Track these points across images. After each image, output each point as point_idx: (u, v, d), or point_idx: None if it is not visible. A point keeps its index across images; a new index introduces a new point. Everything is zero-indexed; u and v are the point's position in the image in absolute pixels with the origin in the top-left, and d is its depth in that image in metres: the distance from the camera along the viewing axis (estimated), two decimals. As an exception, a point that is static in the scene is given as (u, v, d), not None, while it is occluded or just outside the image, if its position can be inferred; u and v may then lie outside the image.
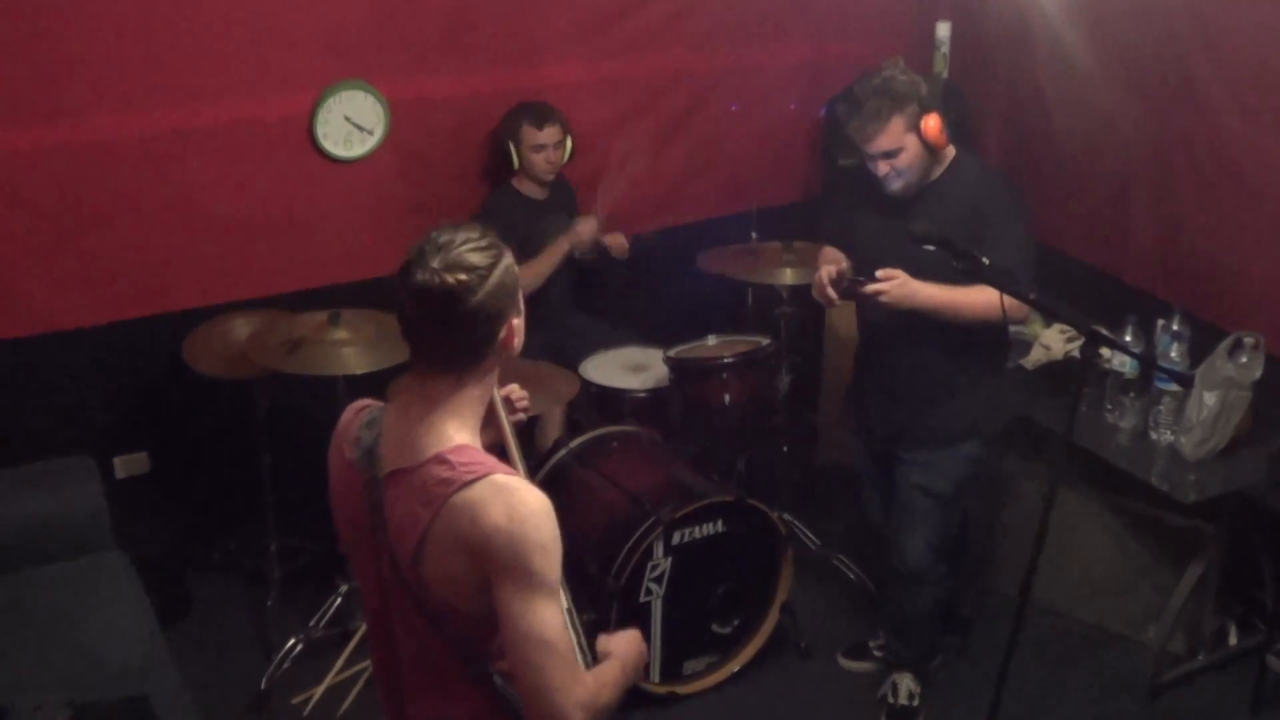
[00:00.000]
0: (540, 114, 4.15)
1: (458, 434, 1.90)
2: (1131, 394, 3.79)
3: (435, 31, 4.16)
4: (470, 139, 4.33)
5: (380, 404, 2.05)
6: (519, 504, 1.81)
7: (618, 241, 4.36)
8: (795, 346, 4.34)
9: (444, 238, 1.89)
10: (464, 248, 1.88)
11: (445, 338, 1.88)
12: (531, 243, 4.19)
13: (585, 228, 4.23)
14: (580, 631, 2.10)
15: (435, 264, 1.85)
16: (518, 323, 1.94)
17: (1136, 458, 3.66)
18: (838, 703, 3.74)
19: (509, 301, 1.91)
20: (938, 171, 3.21)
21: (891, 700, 3.64)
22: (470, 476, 1.83)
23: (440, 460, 1.86)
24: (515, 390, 2.29)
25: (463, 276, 1.85)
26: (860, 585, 4.14)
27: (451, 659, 1.92)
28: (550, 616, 1.82)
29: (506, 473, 1.86)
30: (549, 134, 4.15)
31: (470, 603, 1.85)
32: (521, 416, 2.33)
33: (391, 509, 1.90)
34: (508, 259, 1.92)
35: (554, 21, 4.36)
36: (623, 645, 2.07)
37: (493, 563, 1.80)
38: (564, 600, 2.10)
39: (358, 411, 2.05)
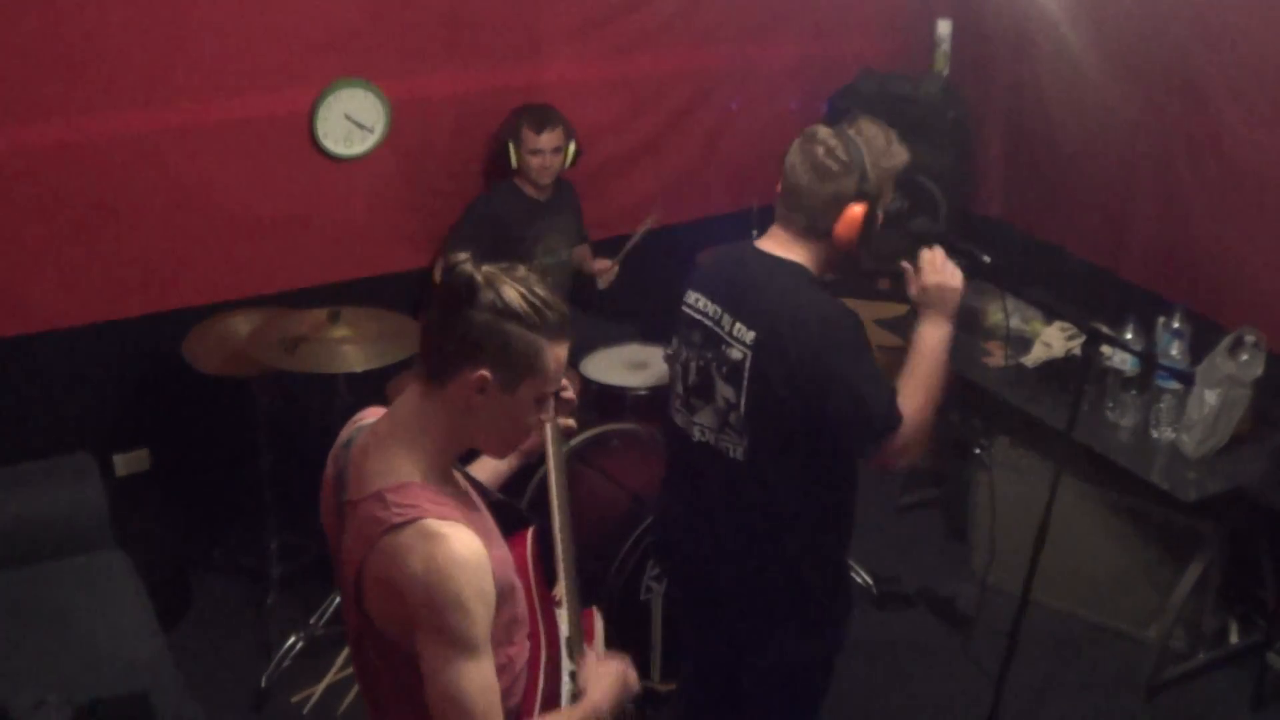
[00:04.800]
0: (540, 118, 4.13)
1: (407, 470, 1.83)
2: (1132, 392, 3.78)
3: (436, 30, 4.16)
4: (471, 137, 4.33)
5: (369, 420, 1.98)
6: (440, 554, 1.73)
7: (606, 272, 4.47)
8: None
9: (521, 270, 1.84)
10: (524, 282, 1.81)
11: (434, 331, 1.84)
12: (527, 243, 4.19)
13: (599, 269, 4.38)
14: (575, 663, 2.07)
15: (471, 268, 1.80)
16: (486, 378, 1.79)
17: (1137, 455, 3.65)
18: (837, 697, 3.73)
19: (492, 357, 1.79)
20: None
21: None
22: (399, 519, 1.76)
23: (379, 498, 1.80)
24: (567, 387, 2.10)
25: (485, 285, 1.78)
26: (862, 585, 4.14)
27: (418, 680, 1.86)
28: (465, 676, 1.75)
29: (442, 518, 1.77)
30: (547, 139, 4.13)
31: (410, 641, 1.80)
32: (570, 422, 2.25)
33: (345, 540, 1.88)
34: (536, 338, 1.80)
35: (554, 19, 4.36)
36: (599, 686, 2.01)
37: (412, 612, 1.76)
38: (565, 627, 2.07)
39: (351, 424, 2.00)
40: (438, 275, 4.34)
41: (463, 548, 1.75)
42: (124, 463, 4.15)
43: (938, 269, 2.55)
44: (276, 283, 4.14)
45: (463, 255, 1.82)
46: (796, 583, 2.64)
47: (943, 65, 4.89)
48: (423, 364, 1.85)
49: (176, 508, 4.20)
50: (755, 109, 4.83)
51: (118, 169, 3.81)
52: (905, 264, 2.59)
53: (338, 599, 3.80)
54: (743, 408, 2.51)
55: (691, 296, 2.64)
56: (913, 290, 2.58)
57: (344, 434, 1.98)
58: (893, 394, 2.45)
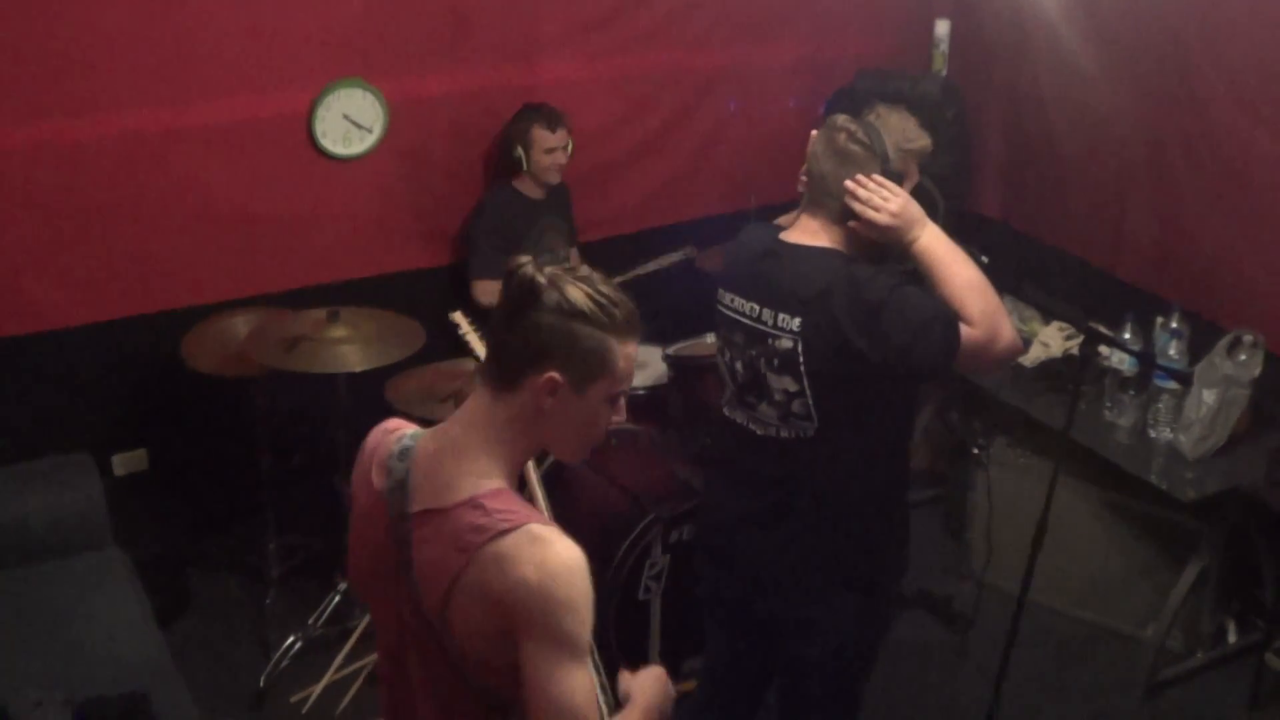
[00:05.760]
0: (552, 118, 4.15)
1: (495, 475, 1.79)
2: (1130, 392, 3.79)
3: (434, 30, 4.16)
4: (469, 137, 4.33)
5: (413, 428, 1.93)
6: (551, 558, 1.70)
7: None
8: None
9: (584, 269, 1.81)
10: (588, 281, 1.78)
11: (501, 335, 1.80)
12: (528, 242, 4.19)
13: None
14: (601, 670, 2.05)
15: (533, 270, 1.77)
16: (556, 380, 1.76)
17: (1135, 455, 3.66)
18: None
19: (561, 358, 1.76)
20: None
21: None
22: (505, 526, 1.72)
23: (475, 505, 1.75)
24: None
25: (549, 286, 1.75)
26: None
27: (474, 706, 1.82)
28: (578, 682, 1.72)
29: (542, 522, 1.75)
30: (560, 137, 4.15)
31: (497, 655, 1.75)
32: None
33: (420, 551, 1.80)
34: (605, 336, 1.77)
35: (552, 19, 4.36)
36: (646, 691, 1.94)
37: (520, 619, 1.71)
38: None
39: (387, 434, 1.93)
40: (484, 299, 4.20)
41: (568, 551, 1.72)
42: (123, 463, 4.15)
43: (892, 190, 2.51)
44: (275, 283, 4.14)
45: (523, 259, 1.79)
46: (864, 558, 2.66)
47: (941, 65, 4.89)
48: (491, 370, 1.82)
49: (175, 508, 4.20)
50: (753, 109, 4.83)
51: (117, 169, 3.81)
52: (852, 224, 2.53)
53: (336, 598, 3.82)
54: (808, 393, 2.51)
55: (726, 297, 2.64)
56: (883, 221, 2.49)
57: (382, 445, 1.90)
58: (944, 308, 2.46)
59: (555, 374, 1.76)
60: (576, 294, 1.76)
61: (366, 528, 1.90)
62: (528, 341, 1.76)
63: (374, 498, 1.88)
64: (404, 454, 1.85)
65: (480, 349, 2.21)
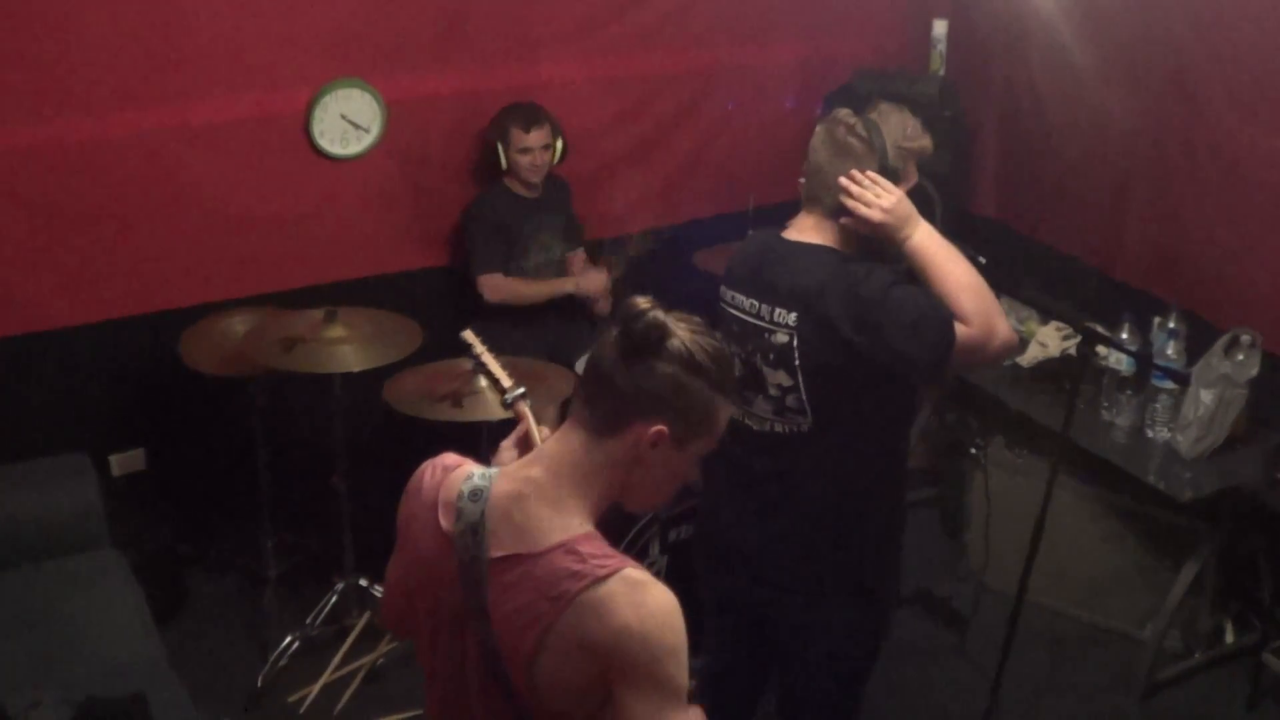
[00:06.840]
0: (528, 116, 4.13)
1: (583, 521, 1.73)
2: (1128, 392, 3.79)
3: (432, 30, 4.16)
4: (467, 137, 4.33)
5: (478, 467, 1.83)
6: (651, 603, 1.66)
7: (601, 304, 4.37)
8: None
9: (697, 320, 1.76)
10: (703, 333, 1.74)
11: (609, 378, 1.72)
12: (522, 241, 4.19)
13: (596, 284, 4.27)
14: None
15: (663, 315, 1.72)
16: (664, 433, 1.71)
17: (1133, 455, 3.66)
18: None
19: (673, 411, 1.71)
20: None
21: None
22: (603, 572, 1.66)
23: (569, 550, 1.69)
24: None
25: (665, 333, 1.70)
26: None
27: None
28: None
29: (636, 566, 1.70)
30: (535, 137, 4.13)
31: (579, 707, 1.70)
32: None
33: (500, 597, 1.71)
34: (715, 395, 1.74)
35: (550, 20, 4.36)
36: None
37: (619, 667, 1.65)
38: None
39: (447, 472, 1.83)
40: (490, 295, 4.07)
41: (665, 595, 1.68)
42: (120, 463, 4.14)
43: (886, 188, 2.51)
44: (273, 283, 4.14)
45: (644, 301, 1.73)
46: (860, 557, 2.65)
47: (939, 65, 4.89)
48: (588, 411, 1.74)
49: (172, 507, 4.20)
50: (752, 109, 4.83)
51: (115, 169, 3.81)
52: (844, 220, 2.53)
53: (334, 598, 3.82)
54: (802, 387, 2.51)
55: (727, 294, 2.66)
56: (875, 218, 2.49)
57: (445, 485, 1.81)
58: (939, 306, 2.45)
59: (664, 427, 1.71)
60: (697, 346, 1.71)
61: (425, 570, 1.82)
62: (642, 389, 1.70)
63: (440, 540, 1.78)
64: (476, 495, 1.76)
65: (501, 373, 2.17)
